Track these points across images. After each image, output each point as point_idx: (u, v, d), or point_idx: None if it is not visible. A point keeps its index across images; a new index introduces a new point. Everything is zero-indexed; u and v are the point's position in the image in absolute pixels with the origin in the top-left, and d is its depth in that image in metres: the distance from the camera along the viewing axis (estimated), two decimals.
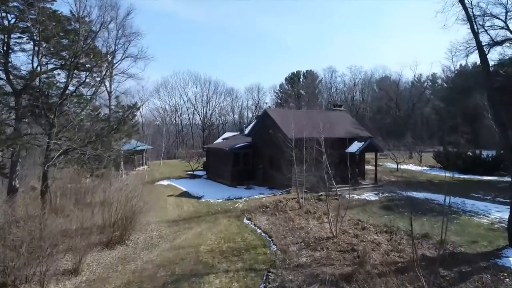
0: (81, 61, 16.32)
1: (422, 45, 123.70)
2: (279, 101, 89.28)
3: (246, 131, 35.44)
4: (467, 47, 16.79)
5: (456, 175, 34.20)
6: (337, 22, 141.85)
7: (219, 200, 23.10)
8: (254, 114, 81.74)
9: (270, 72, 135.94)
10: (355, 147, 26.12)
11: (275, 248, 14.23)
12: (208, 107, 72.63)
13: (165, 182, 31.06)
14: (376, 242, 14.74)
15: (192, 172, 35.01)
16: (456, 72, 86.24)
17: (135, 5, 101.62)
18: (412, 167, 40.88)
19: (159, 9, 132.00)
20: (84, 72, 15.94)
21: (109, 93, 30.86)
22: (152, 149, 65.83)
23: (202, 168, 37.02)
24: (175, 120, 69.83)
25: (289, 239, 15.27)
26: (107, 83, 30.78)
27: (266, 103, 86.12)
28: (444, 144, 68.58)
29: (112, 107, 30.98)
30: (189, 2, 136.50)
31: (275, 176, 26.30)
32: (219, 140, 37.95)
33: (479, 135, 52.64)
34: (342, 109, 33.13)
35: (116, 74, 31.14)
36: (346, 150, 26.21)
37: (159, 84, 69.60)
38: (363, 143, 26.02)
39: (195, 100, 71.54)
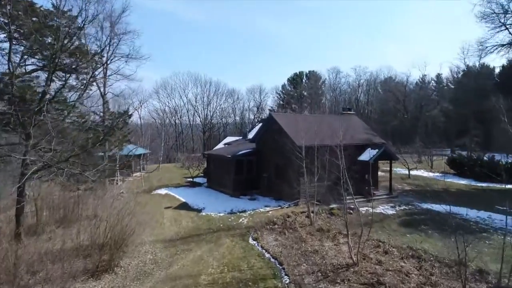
0: (65, 61, 14.32)
1: (431, 45, 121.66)
2: (281, 102, 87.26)
3: (250, 135, 33.46)
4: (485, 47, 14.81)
5: (473, 183, 32.18)
6: (341, 22, 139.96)
7: (221, 214, 21.07)
8: (255, 116, 79.88)
9: (272, 73, 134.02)
10: (368, 154, 24.08)
11: (288, 280, 12.19)
12: (209, 108, 70.72)
13: (163, 191, 29.03)
14: (404, 271, 12.72)
15: (192, 179, 33.01)
16: (463, 72, 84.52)
17: (134, 3, 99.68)
18: (423, 173, 38.81)
19: (158, 9, 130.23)
20: (69, 75, 13.98)
21: (103, 95, 28.84)
22: (150, 153, 63.94)
23: (202, 175, 35.05)
24: (175, 122, 67.84)
25: (303, 267, 13.23)
26: (101, 85, 28.76)
27: (270, 108, 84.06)
28: (452, 147, 66.69)
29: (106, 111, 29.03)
30: (190, 1, 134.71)
31: (281, 186, 24.28)
32: (220, 145, 35.96)
33: (491, 138, 50.66)
34: (351, 112, 31.10)
35: (110, 75, 29.11)
36: (359, 158, 24.19)
37: (158, 86, 67.72)
38: (377, 150, 23.99)
39: (195, 101, 69.66)
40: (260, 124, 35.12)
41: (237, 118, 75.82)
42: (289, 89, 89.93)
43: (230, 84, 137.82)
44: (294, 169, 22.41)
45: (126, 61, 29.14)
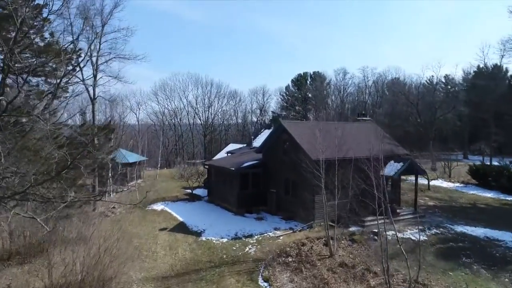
0: (29, 61, 11.42)
1: (445, 46, 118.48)
2: (285, 104, 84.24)
3: (254, 143, 30.61)
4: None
5: (502, 196, 29.16)
6: (347, 21, 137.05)
7: (224, 240, 18.12)
8: (258, 119, 76.92)
9: (275, 74, 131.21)
10: (392, 168, 21.13)
11: None
12: (210, 111, 67.77)
13: (159, 206, 26.12)
14: None
15: (191, 191, 30.13)
16: (474, 73, 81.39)
17: (135, 3, 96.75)
18: (442, 183, 35.76)
19: (160, 10, 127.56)
20: (34, 77, 11.20)
21: (93, 99, 25.94)
22: (149, 157, 61.06)
23: (203, 185, 32.17)
24: (174, 125, 64.89)
25: None
26: (90, 88, 25.86)
27: (273, 110, 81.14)
28: (465, 151, 63.61)
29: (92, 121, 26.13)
30: (192, 1, 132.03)
31: (292, 205, 21.37)
32: (222, 153, 33.10)
33: (509, 143, 47.63)
34: (367, 118, 28.13)
35: (101, 77, 26.22)
36: (381, 173, 21.20)
37: (156, 87, 64.85)
38: (401, 164, 21.01)
39: (196, 103, 66.73)
40: (266, 131, 32.29)
41: (240, 120, 72.86)
42: (293, 90, 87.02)
43: (232, 86, 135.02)
44: (308, 185, 19.52)
45: (119, 62, 26.18)
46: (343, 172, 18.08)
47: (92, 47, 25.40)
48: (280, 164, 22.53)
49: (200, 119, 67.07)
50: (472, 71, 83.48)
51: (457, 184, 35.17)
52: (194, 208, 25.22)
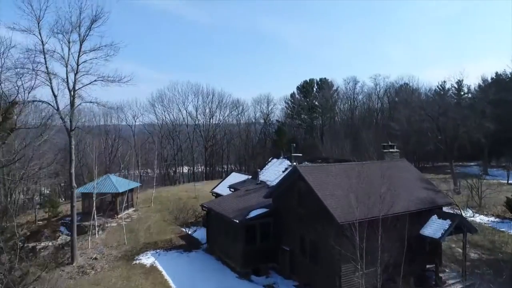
0: None
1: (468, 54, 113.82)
2: (290, 112, 79.80)
3: (261, 175, 26.45)
4: None
5: None
6: (356, 27, 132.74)
7: None
8: (263, 129, 72.65)
9: (280, 81, 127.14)
10: (436, 227, 16.87)
11: None
12: (211, 122, 63.59)
13: (148, 259, 21.93)
14: None
15: (188, 232, 26.05)
16: (492, 80, 76.85)
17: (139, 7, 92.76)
18: (474, 216, 31.31)
19: (161, 10, 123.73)
20: None
21: (69, 131, 21.78)
22: (145, 172, 57.05)
23: (202, 222, 28.13)
24: (173, 139, 60.62)
25: None
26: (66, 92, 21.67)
27: (278, 121, 76.83)
28: (486, 167, 59.19)
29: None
30: (195, 5, 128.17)
31: (311, 270, 17.19)
32: (224, 185, 28.92)
33: None
34: (395, 151, 23.83)
35: (80, 104, 22.10)
36: (421, 232, 17.00)
37: (154, 98, 60.74)
38: (448, 222, 16.72)
39: (196, 115, 62.60)
40: (274, 161, 28.09)
41: (243, 131, 68.62)
42: (299, 98, 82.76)
43: (234, 95, 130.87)
44: (332, 250, 15.34)
45: (101, 85, 22.06)
46: (373, 233, 14.07)
47: (69, 68, 21.32)
48: (295, 217, 18.33)
49: (200, 131, 62.97)
50: (489, 78, 79.40)
51: (492, 219, 30.87)
52: (190, 263, 21.04)
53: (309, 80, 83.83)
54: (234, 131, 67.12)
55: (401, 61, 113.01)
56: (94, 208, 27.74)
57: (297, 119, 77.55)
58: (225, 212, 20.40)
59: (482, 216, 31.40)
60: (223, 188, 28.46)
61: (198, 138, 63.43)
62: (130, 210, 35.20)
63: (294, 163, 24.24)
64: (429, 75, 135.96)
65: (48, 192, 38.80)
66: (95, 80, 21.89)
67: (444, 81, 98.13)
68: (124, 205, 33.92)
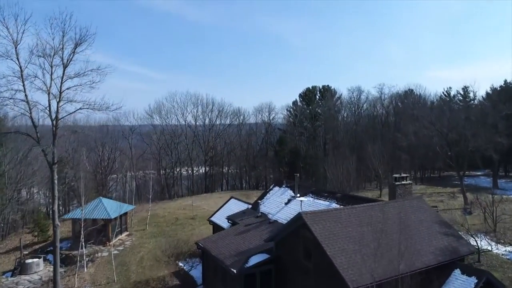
0: None
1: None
2: (292, 120, 77.68)
3: (262, 206, 24.50)
4: None
5: None
6: (359, 28, 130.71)
7: None
8: (264, 139, 70.63)
9: (282, 89, 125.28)
10: (459, 286, 14.87)
11: None
12: (212, 133, 61.59)
13: None
14: None
15: (184, 268, 24.14)
16: (500, 88, 74.65)
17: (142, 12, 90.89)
18: (483, 241, 29.06)
19: (163, 10, 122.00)
20: None
21: (52, 165, 19.87)
22: (143, 187, 55.21)
23: (198, 251, 26.16)
24: (171, 151, 58.60)
25: None
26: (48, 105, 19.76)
27: (280, 129, 74.85)
28: (496, 179, 57.07)
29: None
30: (199, 10, 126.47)
31: None
32: (223, 212, 26.95)
33: None
34: (407, 183, 21.82)
35: (63, 135, 20.22)
36: None
37: (152, 110, 58.83)
38: (474, 280, 14.71)
39: (196, 125, 60.60)
40: (275, 189, 26.11)
41: (243, 141, 66.64)
42: (301, 105, 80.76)
43: (235, 104, 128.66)
44: None
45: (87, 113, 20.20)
46: None
47: (51, 96, 19.45)
48: (300, 269, 16.37)
49: (200, 142, 61.07)
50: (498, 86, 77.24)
51: (510, 248, 28.78)
52: None
53: (312, 87, 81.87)
54: (235, 142, 65.18)
55: (402, 61, 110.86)
56: (82, 239, 25.79)
57: (299, 127, 75.47)
58: (222, 257, 18.46)
59: (500, 246, 29.28)
60: (221, 217, 26.52)
61: (197, 148, 61.52)
62: (124, 235, 33.35)
63: (298, 197, 22.38)
64: (431, 75, 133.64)
65: (37, 213, 36.92)
66: (80, 108, 20.03)
67: (450, 87, 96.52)
68: (117, 230, 32.08)
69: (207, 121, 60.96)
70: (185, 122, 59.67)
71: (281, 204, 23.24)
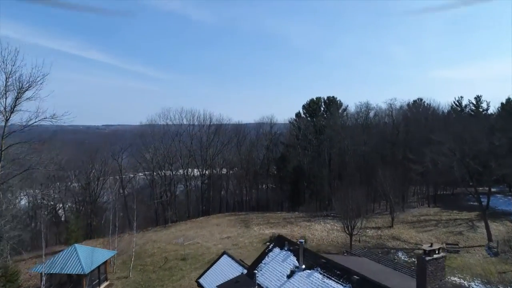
0: None
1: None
2: (295, 133, 73.04)
3: (258, 276, 20.15)
4: None
5: None
6: (361, 27, 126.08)
7: None
8: (266, 156, 66.23)
9: (285, 103, 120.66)
10: None
11: None
12: (209, 153, 57.32)
13: None
14: None
15: None
16: None
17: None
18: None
19: (165, 11, 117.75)
20: None
21: None
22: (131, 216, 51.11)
23: None
24: (165, 175, 54.11)
25: None
26: None
27: (282, 143, 70.39)
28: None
29: None
30: (203, 11, 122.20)
31: None
32: (213, 273, 22.82)
33: None
34: (440, 256, 17.45)
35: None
36: None
37: (142, 131, 54.61)
38: None
39: (191, 143, 56.32)
40: (276, 250, 21.76)
41: (243, 160, 62.31)
42: (305, 117, 76.28)
43: (235, 118, 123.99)
44: None
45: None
46: None
47: None
48: None
49: (196, 161, 56.84)
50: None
51: None
52: None
53: (316, 98, 77.35)
54: (235, 161, 60.91)
55: (404, 61, 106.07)
56: None
57: (303, 141, 70.76)
58: None
59: None
60: (210, 282, 22.25)
61: (193, 167, 57.31)
62: (104, 286, 29.17)
63: (303, 269, 18.10)
64: (433, 75, 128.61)
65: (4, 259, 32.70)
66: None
67: (461, 97, 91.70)
68: (94, 282, 27.94)
69: (204, 138, 56.67)
70: (179, 141, 55.27)
71: (282, 277, 18.95)
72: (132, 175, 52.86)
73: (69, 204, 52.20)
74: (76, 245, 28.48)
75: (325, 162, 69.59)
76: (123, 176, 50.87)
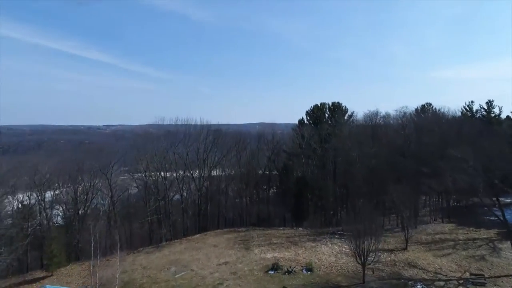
0: None
1: None
2: (298, 141, 68.69)
3: None
4: None
5: None
6: (363, 27, 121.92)
7: None
8: (267, 167, 62.22)
9: (285, 105, 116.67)
10: None
11: None
12: (207, 164, 53.33)
13: None
14: None
15: None
16: None
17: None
18: None
19: (167, 11, 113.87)
20: None
21: None
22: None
23: None
24: (158, 188, 50.01)
25: None
26: None
27: (285, 151, 66.32)
28: None
29: None
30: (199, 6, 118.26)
31: None
32: None
33: None
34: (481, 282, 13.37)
35: None
36: None
37: (135, 139, 50.82)
38: None
39: (187, 156, 52.30)
40: None
41: (243, 173, 58.27)
42: (308, 123, 72.15)
43: (235, 120, 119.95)
44: None
45: None
46: None
47: None
48: None
49: (192, 174, 52.85)
50: None
51: None
52: None
53: (320, 104, 73.19)
54: (235, 173, 56.90)
55: (406, 61, 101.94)
56: None
57: (307, 150, 66.48)
58: None
59: None
60: None
61: (189, 181, 53.34)
62: None
63: None
64: (435, 75, 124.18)
65: None
66: None
67: (472, 101, 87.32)
68: None
69: (201, 149, 52.65)
70: (174, 153, 51.21)
71: None
72: (123, 191, 48.80)
73: (53, 221, 48.26)
74: (46, 286, 24.55)
75: (330, 173, 65.63)
76: (114, 192, 46.83)
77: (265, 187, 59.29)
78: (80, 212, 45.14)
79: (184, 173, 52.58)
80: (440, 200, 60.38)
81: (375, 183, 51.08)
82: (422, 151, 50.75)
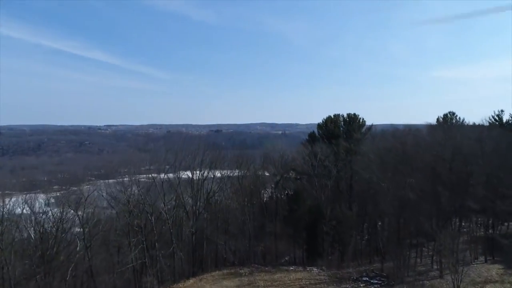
0: None
1: None
2: (308, 158, 59.07)
3: None
4: None
5: None
6: (362, 26, 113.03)
7: None
8: (273, 192, 53.39)
9: (286, 105, 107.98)
10: None
11: None
12: (202, 192, 44.56)
13: None
14: None
15: None
16: None
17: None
18: None
19: (167, 11, 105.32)
20: None
21: None
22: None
23: None
24: (144, 221, 41.29)
25: None
26: None
27: (294, 170, 57.30)
28: None
29: None
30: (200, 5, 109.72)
31: None
32: None
33: None
34: None
35: None
36: None
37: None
38: None
39: (179, 182, 43.48)
40: None
41: (246, 199, 49.51)
42: (320, 137, 63.08)
43: (236, 121, 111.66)
44: None
45: None
46: None
47: None
48: None
49: (184, 205, 43.98)
50: None
51: None
52: None
53: (334, 116, 64.11)
54: (232, 208, 48.04)
55: (406, 61, 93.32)
56: None
57: (320, 170, 56.96)
58: None
59: None
60: None
61: (181, 216, 44.54)
62: None
63: None
64: (435, 75, 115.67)
65: None
66: None
67: (502, 110, 77.66)
68: None
69: (196, 176, 43.95)
70: (162, 182, 42.41)
71: None
72: (98, 229, 39.90)
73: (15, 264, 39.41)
74: None
75: (344, 196, 56.78)
76: (87, 229, 38.09)
77: (271, 218, 50.29)
78: (49, 252, 36.63)
79: (176, 202, 43.77)
80: (478, 224, 51.02)
81: (407, 219, 42.13)
82: (464, 177, 41.63)
